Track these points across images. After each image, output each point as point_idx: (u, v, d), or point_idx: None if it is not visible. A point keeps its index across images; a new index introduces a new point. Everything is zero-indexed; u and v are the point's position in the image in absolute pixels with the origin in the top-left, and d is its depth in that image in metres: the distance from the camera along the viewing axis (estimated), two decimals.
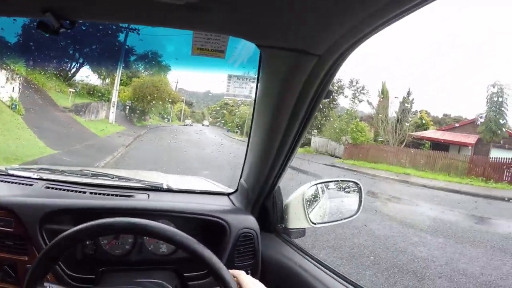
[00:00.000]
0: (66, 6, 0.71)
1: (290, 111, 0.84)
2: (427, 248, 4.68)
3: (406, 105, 11.31)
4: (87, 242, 1.11)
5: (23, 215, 1.03)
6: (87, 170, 1.37)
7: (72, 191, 1.20)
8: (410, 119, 11.33)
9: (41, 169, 1.34)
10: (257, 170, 1.09)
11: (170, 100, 11.29)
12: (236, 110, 13.48)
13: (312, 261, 1.17)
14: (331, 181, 1.34)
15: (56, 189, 1.20)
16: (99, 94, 9.55)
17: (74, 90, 8.95)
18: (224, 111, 13.77)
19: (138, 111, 10.71)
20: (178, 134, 10.83)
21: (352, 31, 0.62)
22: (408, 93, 11.24)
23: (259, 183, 1.12)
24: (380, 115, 11.51)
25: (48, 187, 1.20)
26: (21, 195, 1.13)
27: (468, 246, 4.86)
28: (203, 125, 13.22)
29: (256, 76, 0.89)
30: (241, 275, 0.79)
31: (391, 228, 5.35)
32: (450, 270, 4.05)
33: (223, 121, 13.74)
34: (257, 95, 0.92)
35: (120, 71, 8.88)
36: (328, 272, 1.11)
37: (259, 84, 0.89)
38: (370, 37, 0.65)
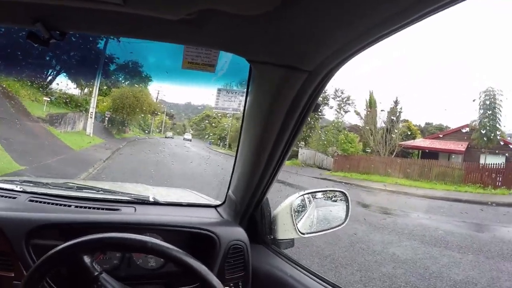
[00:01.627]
0: (58, 17, 0.75)
1: (279, 125, 0.90)
2: (461, 269, 4.47)
3: (393, 116, 11.73)
4: None
5: (9, 230, 1.03)
6: (72, 183, 1.39)
7: (57, 204, 1.21)
8: (398, 128, 11.69)
9: (24, 181, 1.35)
10: (245, 182, 1.15)
11: (151, 112, 11.30)
12: (218, 122, 13.50)
13: (303, 271, 1.23)
14: (318, 191, 1.42)
15: (41, 202, 1.21)
16: (77, 104, 9.36)
17: (49, 99, 8.72)
18: (206, 123, 13.86)
19: (117, 123, 10.62)
20: (159, 147, 10.67)
21: (343, 48, 0.68)
22: (396, 102, 11.69)
23: (248, 195, 1.17)
24: (368, 126, 11.81)
25: (32, 200, 1.21)
26: (5, 209, 1.14)
27: (500, 260, 4.75)
28: (184, 138, 13.02)
29: (245, 90, 0.97)
30: None
31: (414, 249, 5.10)
32: None
33: (205, 134, 13.79)
34: (246, 109, 0.99)
35: (99, 80, 8.80)
36: (320, 281, 1.17)
37: (248, 98, 0.96)
38: (360, 53, 0.71)
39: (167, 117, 13.42)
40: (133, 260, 1.17)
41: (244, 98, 0.99)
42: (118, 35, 0.87)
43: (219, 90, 1.24)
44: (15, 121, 7.38)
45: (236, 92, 1.27)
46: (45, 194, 1.26)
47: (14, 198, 1.21)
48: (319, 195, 1.42)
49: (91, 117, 9.16)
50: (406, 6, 0.53)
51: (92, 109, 9.04)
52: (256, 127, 0.99)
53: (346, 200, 1.40)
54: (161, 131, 13.15)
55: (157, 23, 0.73)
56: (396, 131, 11.53)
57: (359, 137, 11.83)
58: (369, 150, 11.61)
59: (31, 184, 1.33)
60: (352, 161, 11.40)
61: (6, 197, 1.21)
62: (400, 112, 11.82)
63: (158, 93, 10.77)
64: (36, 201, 1.21)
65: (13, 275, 1.01)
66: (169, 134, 12.94)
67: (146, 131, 12.58)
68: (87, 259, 0.87)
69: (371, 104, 12.03)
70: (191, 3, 0.65)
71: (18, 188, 1.27)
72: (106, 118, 10.21)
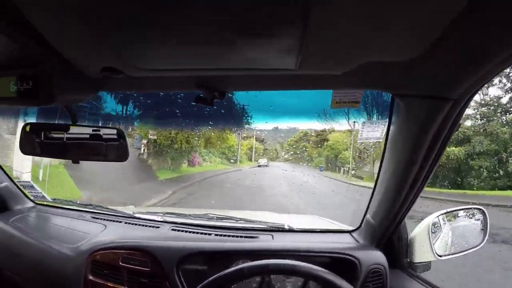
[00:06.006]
0: (220, 80, 0.97)
1: (423, 152, 0.99)
2: None
3: None
4: None
5: (162, 257, 1.31)
6: (212, 214, 1.66)
7: (197, 233, 1.48)
8: None
9: (166, 213, 1.66)
10: (387, 206, 1.25)
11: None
12: (324, 142, 11.14)
13: None
14: (455, 210, 1.47)
15: (182, 231, 1.49)
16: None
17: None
18: (306, 144, 11.66)
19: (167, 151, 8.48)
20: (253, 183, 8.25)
21: (486, 74, 0.75)
22: None
23: (389, 218, 1.27)
24: None
25: (174, 229, 1.50)
26: (153, 237, 1.44)
27: None
28: (260, 165, 10.31)
29: (388, 120, 1.13)
30: None
31: None
32: None
33: (306, 156, 11.49)
34: (389, 137, 1.12)
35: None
36: None
37: (392, 127, 1.09)
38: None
39: (258, 142, 11.53)
40: (272, 284, 1.33)
41: (385, 127, 1.15)
42: (280, 89, 1.07)
43: (363, 122, 1.42)
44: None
45: (379, 123, 1.44)
46: (186, 224, 1.54)
47: (158, 227, 1.51)
48: (455, 214, 1.47)
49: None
50: None
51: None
52: (400, 154, 1.09)
53: (484, 218, 1.43)
54: (250, 159, 11.29)
55: (320, 77, 0.91)
56: None
57: None
58: None
59: (173, 215, 1.64)
60: None
61: (150, 226, 1.53)
62: None
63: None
64: (178, 230, 1.49)
65: None
66: (263, 161, 10.93)
67: (232, 160, 10.60)
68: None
69: None
70: (354, 61, 0.80)
71: (159, 219, 1.59)
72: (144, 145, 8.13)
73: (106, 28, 0.64)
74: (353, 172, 9.82)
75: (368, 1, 0.56)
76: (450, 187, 9.68)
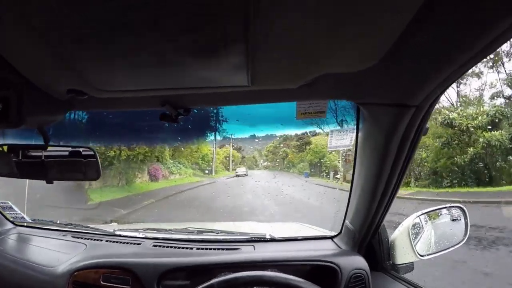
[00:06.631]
0: (184, 98, 0.98)
1: (392, 156, 1.00)
2: None
3: None
4: None
5: (142, 274, 1.32)
6: (192, 228, 1.66)
7: (179, 247, 1.48)
8: None
9: (147, 229, 1.66)
10: (363, 211, 1.25)
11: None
12: (306, 145, 10.29)
13: None
14: (434, 209, 1.47)
15: (164, 246, 1.49)
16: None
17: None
18: (286, 150, 10.66)
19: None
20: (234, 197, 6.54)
21: (448, 78, 0.74)
22: None
23: (366, 223, 1.27)
24: None
25: (156, 245, 1.50)
26: (134, 254, 1.44)
27: None
28: (237, 174, 9.31)
29: (355, 127, 1.12)
30: None
31: None
32: None
33: (287, 163, 10.67)
34: (358, 145, 1.12)
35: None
36: None
37: (359, 135, 1.09)
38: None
39: (235, 150, 10.48)
40: None
41: (354, 134, 1.15)
42: (237, 104, 1.09)
43: (331, 131, 1.41)
44: None
45: (346, 131, 1.44)
46: (167, 239, 1.54)
47: (139, 244, 1.52)
48: (436, 212, 1.47)
49: None
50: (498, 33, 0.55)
51: None
52: (370, 160, 1.09)
53: (465, 216, 1.43)
54: (228, 168, 9.99)
55: (276, 91, 0.92)
56: None
57: None
58: None
59: (154, 231, 1.64)
60: None
61: (132, 243, 1.53)
62: None
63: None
64: (160, 246, 1.49)
65: None
66: (241, 170, 9.79)
67: (206, 171, 9.25)
68: None
69: None
70: (308, 74, 0.81)
71: (141, 235, 1.59)
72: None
73: (67, 49, 0.65)
74: (339, 176, 9.15)
75: (314, 14, 0.55)
76: (478, 184, 8.24)
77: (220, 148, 9.68)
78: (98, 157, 1.15)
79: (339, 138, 1.40)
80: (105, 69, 0.76)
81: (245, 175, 9.53)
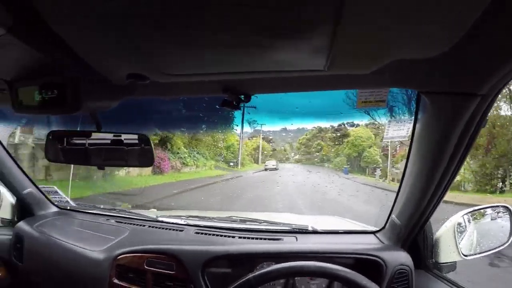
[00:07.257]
0: (245, 83, 0.98)
1: (451, 149, 1.00)
2: None
3: None
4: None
5: (187, 261, 1.33)
6: (235, 216, 1.68)
7: (221, 235, 1.49)
8: None
9: (190, 216, 1.68)
10: (412, 206, 1.25)
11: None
12: (343, 138, 9.40)
13: None
14: (480, 208, 1.46)
15: (207, 234, 1.51)
16: None
17: None
18: (320, 142, 9.68)
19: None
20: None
21: None
22: None
23: (415, 218, 1.27)
24: None
25: (198, 233, 1.52)
26: (177, 240, 1.45)
27: None
28: (267, 168, 8.57)
29: (413, 118, 1.11)
30: None
31: None
32: None
33: (321, 156, 9.64)
34: (414, 136, 1.12)
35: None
36: None
37: (417, 125, 1.10)
38: None
39: (265, 141, 9.54)
40: (296, 286, 1.34)
41: (411, 125, 1.14)
42: (308, 90, 1.06)
43: (388, 122, 1.40)
44: None
45: (404, 121, 1.43)
46: (209, 227, 1.56)
47: (181, 231, 1.53)
48: (480, 212, 1.46)
49: None
50: None
51: None
52: (427, 153, 1.10)
53: (510, 216, 1.41)
54: (257, 161, 9.19)
55: (347, 77, 0.91)
56: None
57: None
58: None
59: (196, 219, 1.66)
60: None
61: (175, 230, 1.55)
62: None
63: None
64: (202, 233, 1.51)
65: None
66: (271, 163, 9.04)
67: (231, 163, 8.43)
68: None
69: None
70: (382, 59, 0.81)
71: (183, 222, 1.61)
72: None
73: (131, 34, 0.65)
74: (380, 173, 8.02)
75: None
76: None
77: (249, 139, 8.95)
78: (150, 145, 1.13)
79: (396, 129, 1.40)
80: (171, 51, 0.73)
81: (276, 169, 8.85)
